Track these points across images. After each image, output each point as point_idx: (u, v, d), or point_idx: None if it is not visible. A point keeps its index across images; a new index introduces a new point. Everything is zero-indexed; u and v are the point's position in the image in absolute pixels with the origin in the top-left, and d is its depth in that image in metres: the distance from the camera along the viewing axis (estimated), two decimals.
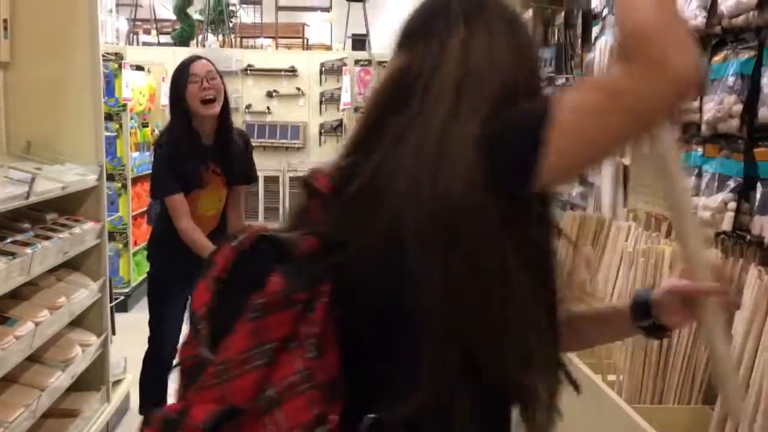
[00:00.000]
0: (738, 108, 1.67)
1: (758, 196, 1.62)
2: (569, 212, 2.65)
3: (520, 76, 0.98)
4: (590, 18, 2.87)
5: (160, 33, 10.73)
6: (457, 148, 0.91)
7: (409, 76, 0.99)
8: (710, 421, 1.60)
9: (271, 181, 9.07)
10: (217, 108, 2.88)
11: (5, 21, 3.15)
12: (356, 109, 5.92)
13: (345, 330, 0.92)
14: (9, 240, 2.60)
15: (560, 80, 3.20)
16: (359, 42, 9.72)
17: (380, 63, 5.81)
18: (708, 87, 1.77)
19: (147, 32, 11.31)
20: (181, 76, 2.89)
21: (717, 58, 1.78)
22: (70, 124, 3.28)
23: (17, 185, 2.57)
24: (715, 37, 1.82)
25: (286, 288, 0.89)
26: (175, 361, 0.94)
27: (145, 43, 10.47)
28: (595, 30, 2.77)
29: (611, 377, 1.87)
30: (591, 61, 2.68)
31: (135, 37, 10.25)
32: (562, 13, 3.20)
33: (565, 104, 0.88)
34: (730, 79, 1.70)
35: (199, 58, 3.06)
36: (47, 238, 2.79)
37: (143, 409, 3.19)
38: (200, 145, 2.93)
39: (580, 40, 3.05)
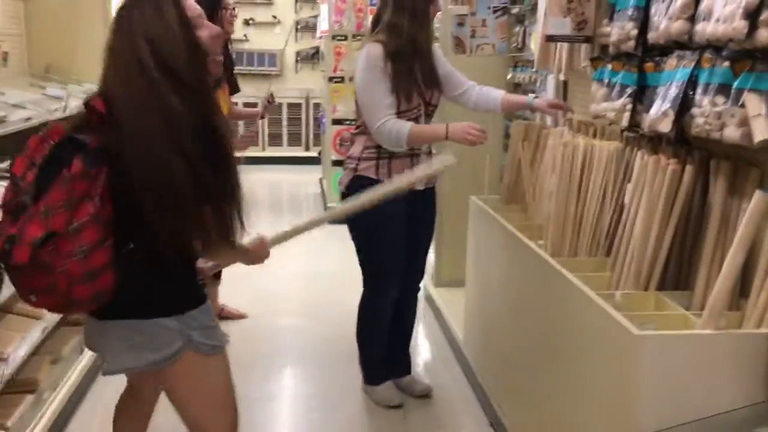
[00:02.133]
0: (635, 32, 2.20)
1: (646, 100, 2.17)
2: (516, 121, 3.18)
3: None
4: None
5: None
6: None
7: None
8: (607, 266, 2.20)
9: (250, 107, 9.45)
10: None
11: None
12: (334, 37, 6.31)
13: (116, 193, 1.61)
14: None
15: (514, 10, 3.69)
16: None
17: None
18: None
19: None
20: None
21: None
22: (84, 48, 3.71)
23: (53, 101, 3.04)
24: None
25: (84, 167, 1.57)
26: None
27: None
28: None
29: (540, 242, 2.46)
30: None
31: None
32: None
33: None
34: (630, 10, 2.22)
35: None
36: None
37: None
38: None
39: None
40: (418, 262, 3.08)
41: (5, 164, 2.72)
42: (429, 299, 4.29)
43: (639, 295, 2.00)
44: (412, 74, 2.75)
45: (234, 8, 3.78)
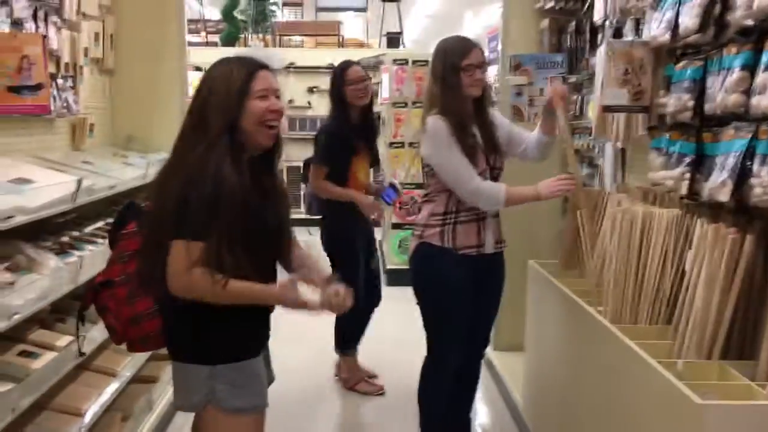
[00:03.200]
0: (691, 103, 2.26)
1: (704, 169, 2.20)
2: None
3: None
4: (597, 27, 3.44)
5: (208, 33, 11.41)
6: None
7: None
8: (669, 334, 2.20)
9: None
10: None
11: (111, 36, 3.84)
12: (394, 104, 6.52)
13: None
14: None
15: (571, 79, 3.79)
16: (393, 40, 10.32)
17: (415, 62, 6.39)
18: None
19: (194, 32, 12.00)
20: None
21: (679, 66, 2.36)
22: (162, 120, 3.96)
23: (136, 169, 3.25)
24: (678, 50, 2.40)
25: (136, 227, 1.94)
26: None
27: (191, 43, 11.12)
28: (599, 38, 3.35)
29: (600, 308, 2.48)
30: (594, 64, 3.26)
31: None
32: (574, 22, 3.77)
33: None
34: (686, 82, 2.28)
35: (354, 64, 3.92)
36: None
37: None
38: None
39: (588, 45, 3.63)
40: (483, 330, 3.07)
41: (91, 228, 2.92)
42: (488, 363, 4.28)
43: (702, 365, 1.99)
44: (474, 141, 2.79)
45: (366, 82, 3.80)
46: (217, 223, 1.71)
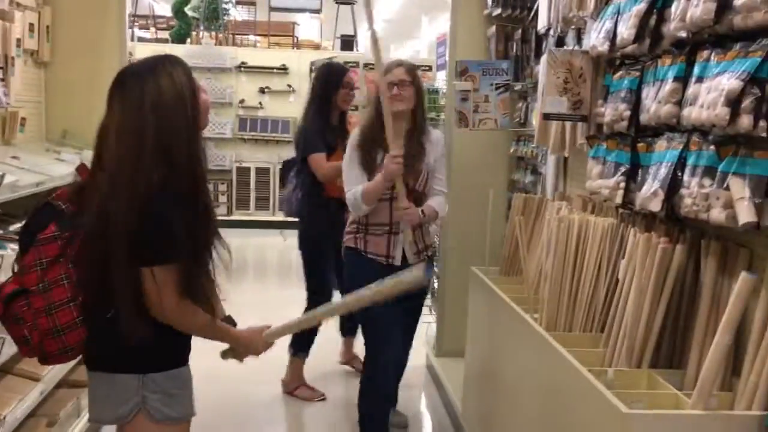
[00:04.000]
0: (627, 113, 2.27)
1: (638, 178, 2.22)
2: (517, 194, 3.24)
3: None
4: (541, 36, 3.47)
5: (158, 29, 11.19)
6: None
7: None
8: (601, 342, 2.21)
9: (262, 172, 9.64)
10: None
11: (47, 27, 3.71)
12: None
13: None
14: None
15: (516, 86, 3.81)
16: (347, 43, 10.29)
17: (366, 65, 6.37)
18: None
19: (143, 28, 11.78)
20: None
21: (616, 76, 2.38)
22: (100, 115, 3.82)
23: (68, 165, 3.13)
24: (616, 60, 2.42)
25: (56, 231, 1.73)
26: None
27: (140, 38, 10.95)
28: (544, 46, 3.37)
29: (536, 315, 2.48)
30: (538, 72, 3.28)
31: (132, 32, 10.73)
32: (520, 30, 3.79)
33: None
34: (623, 92, 2.30)
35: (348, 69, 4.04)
36: None
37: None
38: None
39: (533, 54, 3.66)
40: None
41: (16, 227, 2.80)
42: (430, 369, 4.27)
43: (631, 373, 2.00)
44: (373, 158, 3.00)
45: (353, 88, 3.93)
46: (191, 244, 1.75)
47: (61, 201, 1.78)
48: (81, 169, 1.86)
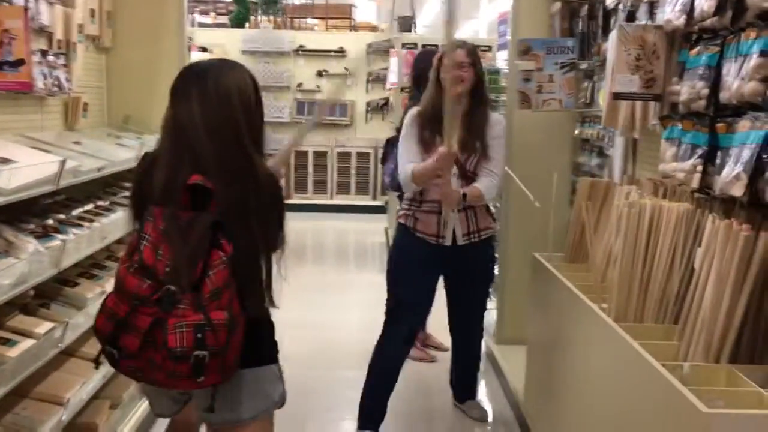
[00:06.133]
0: (705, 91, 2.13)
1: (718, 161, 2.08)
2: (582, 178, 3.11)
3: None
4: (610, 11, 3.31)
5: (218, 14, 11.29)
6: None
7: None
8: (675, 334, 2.09)
9: (320, 156, 9.66)
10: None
11: (108, 13, 3.74)
12: (402, 89, 6.39)
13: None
14: (120, 195, 3.20)
15: (582, 65, 3.65)
16: (405, 24, 10.16)
17: (425, 46, 6.25)
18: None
19: (204, 13, 11.90)
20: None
21: (693, 52, 2.23)
22: (160, 101, 3.83)
23: (129, 150, 3.16)
24: (693, 35, 2.27)
25: (232, 248, 1.61)
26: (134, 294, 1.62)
27: (200, 24, 11.07)
28: (612, 22, 3.21)
29: (603, 304, 2.36)
30: (606, 50, 3.13)
31: (192, 17, 10.85)
32: (586, 6, 3.63)
33: None
34: (701, 69, 2.15)
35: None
36: None
37: None
38: None
39: (600, 30, 3.49)
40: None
41: (78, 211, 2.83)
42: (490, 356, 4.18)
43: (709, 368, 1.88)
44: (432, 135, 2.99)
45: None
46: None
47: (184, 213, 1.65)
48: (194, 178, 1.67)
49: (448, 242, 3.04)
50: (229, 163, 1.69)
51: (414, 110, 3.08)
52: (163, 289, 1.56)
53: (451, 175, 2.90)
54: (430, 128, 2.98)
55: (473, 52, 3.03)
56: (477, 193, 2.97)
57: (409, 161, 2.98)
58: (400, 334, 3.17)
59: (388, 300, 3.25)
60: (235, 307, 1.62)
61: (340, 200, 9.65)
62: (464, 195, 2.95)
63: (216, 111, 1.69)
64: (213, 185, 1.64)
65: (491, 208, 3.25)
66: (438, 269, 3.18)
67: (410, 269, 3.13)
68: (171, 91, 1.77)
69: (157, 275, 1.57)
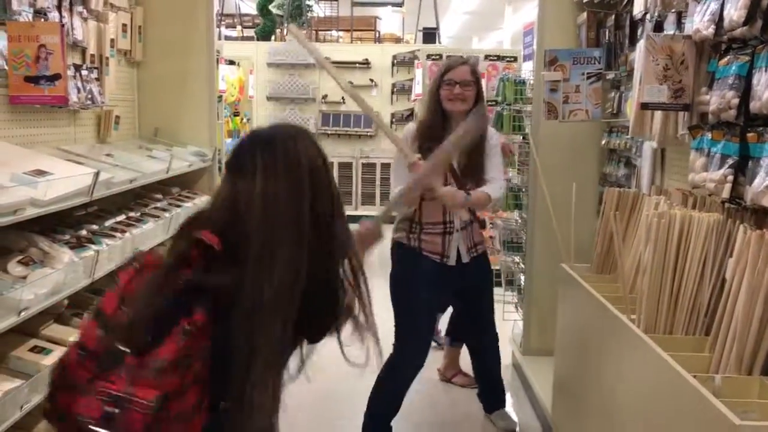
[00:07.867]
0: (735, 101, 2.11)
1: (748, 171, 2.06)
2: (608, 189, 3.09)
3: None
4: (637, 21, 3.29)
5: (244, 27, 11.43)
6: None
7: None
8: (707, 346, 2.07)
9: (345, 167, 9.70)
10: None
11: (140, 27, 3.81)
12: None
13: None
14: (151, 206, 3.25)
15: (609, 75, 3.64)
16: (429, 35, 10.20)
17: (449, 56, 6.27)
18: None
19: (230, 26, 12.06)
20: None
21: (723, 62, 2.22)
22: (189, 113, 3.93)
23: (160, 162, 3.21)
24: (722, 44, 2.26)
25: (206, 319, 1.29)
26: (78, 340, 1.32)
27: (227, 37, 11.21)
28: (639, 32, 3.20)
29: (633, 315, 2.35)
30: (633, 60, 3.12)
31: (219, 31, 11.00)
32: (613, 16, 3.62)
33: None
34: (731, 79, 2.14)
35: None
36: (177, 206, 3.43)
37: None
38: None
39: (627, 40, 3.48)
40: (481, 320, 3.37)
41: (111, 222, 2.89)
42: (517, 367, 4.16)
43: (742, 380, 1.86)
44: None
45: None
46: None
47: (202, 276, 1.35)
48: (204, 234, 1.38)
49: (452, 261, 3.06)
50: (273, 232, 1.39)
51: (411, 127, 3.08)
52: (108, 344, 1.27)
53: (440, 183, 2.91)
54: (426, 147, 2.84)
55: (476, 70, 3.06)
56: (481, 195, 2.98)
57: (398, 184, 3.00)
58: (413, 354, 3.11)
59: (397, 320, 3.12)
60: (189, 398, 1.28)
61: (365, 211, 9.68)
62: (468, 193, 2.95)
63: (281, 179, 1.42)
64: (219, 244, 1.35)
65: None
66: (446, 288, 3.18)
67: (418, 287, 3.07)
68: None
69: (109, 328, 1.30)
